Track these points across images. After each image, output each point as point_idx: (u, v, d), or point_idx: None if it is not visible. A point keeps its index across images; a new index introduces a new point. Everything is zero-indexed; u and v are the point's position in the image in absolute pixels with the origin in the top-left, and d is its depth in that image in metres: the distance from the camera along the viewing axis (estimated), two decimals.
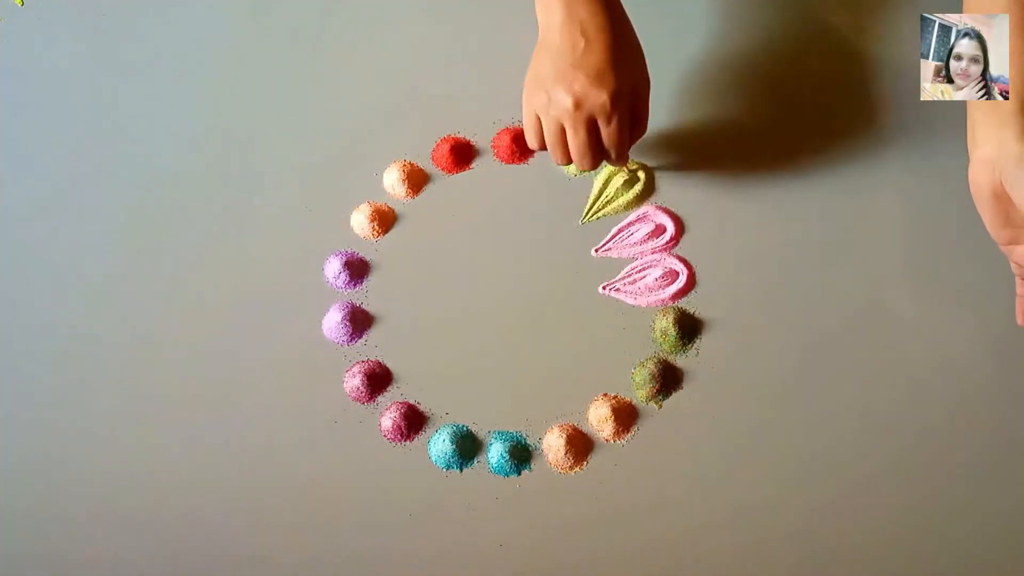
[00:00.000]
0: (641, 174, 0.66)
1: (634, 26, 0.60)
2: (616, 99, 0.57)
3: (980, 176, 0.54)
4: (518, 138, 0.67)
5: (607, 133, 0.58)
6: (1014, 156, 0.52)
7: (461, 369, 0.62)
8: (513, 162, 0.68)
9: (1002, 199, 0.53)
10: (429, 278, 0.65)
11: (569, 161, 0.60)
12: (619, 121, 0.57)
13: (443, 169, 0.68)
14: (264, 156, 0.69)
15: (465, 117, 0.69)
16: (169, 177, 0.69)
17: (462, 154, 0.68)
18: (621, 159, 0.60)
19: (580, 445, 0.60)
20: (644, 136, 0.65)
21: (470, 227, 0.66)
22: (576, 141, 0.58)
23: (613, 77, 0.56)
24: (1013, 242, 0.54)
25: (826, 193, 0.65)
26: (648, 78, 0.61)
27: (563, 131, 0.58)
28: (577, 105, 0.56)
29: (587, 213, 0.66)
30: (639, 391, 0.61)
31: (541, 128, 0.59)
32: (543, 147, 0.60)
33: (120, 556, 0.60)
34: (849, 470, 0.59)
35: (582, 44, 0.57)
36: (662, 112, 0.68)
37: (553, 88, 0.57)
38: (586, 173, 0.66)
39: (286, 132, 0.70)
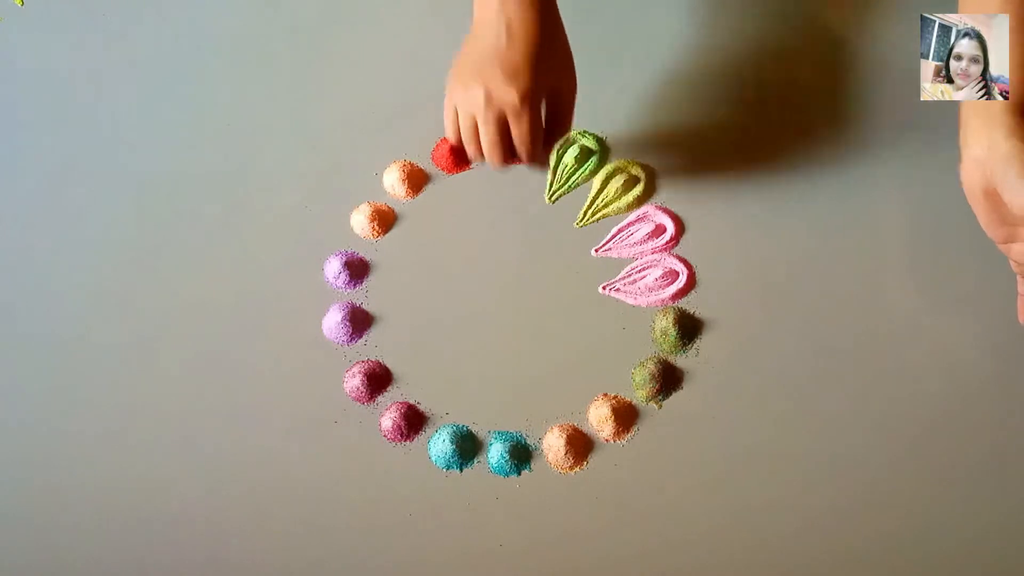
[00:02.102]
0: (642, 174, 0.66)
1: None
2: (527, 98, 0.57)
3: (971, 176, 0.54)
4: None
5: (515, 132, 0.58)
6: (1003, 155, 0.52)
7: (461, 369, 0.62)
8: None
9: (994, 198, 0.53)
10: (429, 278, 0.65)
11: (481, 156, 0.60)
12: (528, 121, 0.57)
13: (443, 169, 0.68)
14: (264, 156, 0.69)
15: None
16: (169, 177, 0.69)
17: (462, 154, 0.67)
18: (532, 160, 0.60)
19: (580, 445, 0.60)
20: (645, 135, 0.65)
21: (470, 227, 0.66)
22: (485, 136, 0.58)
23: (528, 76, 0.57)
24: (1009, 240, 0.54)
25: (826, 193, 0.65)
26: (574, 82, 0.61)
27: (476, 125, 0.59)
28: (488, 100, 0.57)
29: (583, 216, 0.66)
30: (639, 391, 0.61)
31: (458, 120, 0.60)
32: (459, 140, 0.61)
33: (119, 557, 0.60)
34: (849, 470, 0.59)
35: (504, 41, 0.57)
36: (664, 112, 0.68)
37: (470, 81, 0.58)
38: (562, 196, 0.66)
39: (286, 132, 0.70)
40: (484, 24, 0.58)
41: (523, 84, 0.57)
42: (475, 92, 0.57)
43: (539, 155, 0.60)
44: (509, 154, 0.60)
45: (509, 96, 0.56)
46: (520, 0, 0.57)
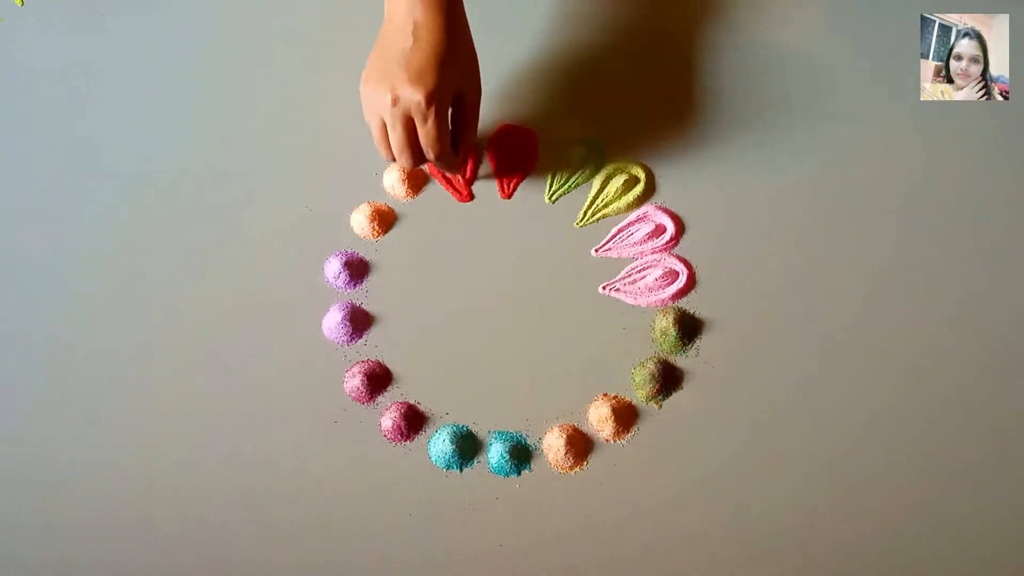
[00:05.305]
0: (642, 174, 0.66)
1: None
2: (432, 99, 0.57)
3: None
4: None
5: (422, 133, 0.58)
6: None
7: (461, 369, 0.62)
8: None
9: None
10: (429, 278, 0.65)
11: (393, 157, 0.60)
12: (435, 122, 0.58)
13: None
14: (264, 156, 0.69)
15: None
16: (169, 177, 0.69)
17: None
18: (442, 161, 0.60)
19: (580, 445, 0.60)
20: (645, 135, 0.65)
21: (470, 227, 0.66)
22: (394, 137, 0.59)
23: (433, 78, 0.57)
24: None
25: (826, 192, 0.65)
26: (478, 84, 0.62)
27: (386, 127, 0.59)
28: (394, 102, 0.57)
29: (583, 216, 0.66)
30: (639, 391, 0.61)
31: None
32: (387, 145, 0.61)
33: (119, 559, 0.60)
34: (848, 470, 0.59)
35: (411, 43, 0.58)
36: (664, 112, 0.68)
37: (377, 85, 0.58)
38: (562, 196, 0.66)
39: (286, 132, 0.70)
40: (392, 27, 0.59)
41: (428, 85, 0.57)
42: (382, 95, 0.58)
43: (447, 155, 0.60)
44: (419, 155, 0.60)
45: (415, 97, 0.57)
46: (427, 3, 0.58)
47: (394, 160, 0.60)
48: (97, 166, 0.70)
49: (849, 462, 0.59)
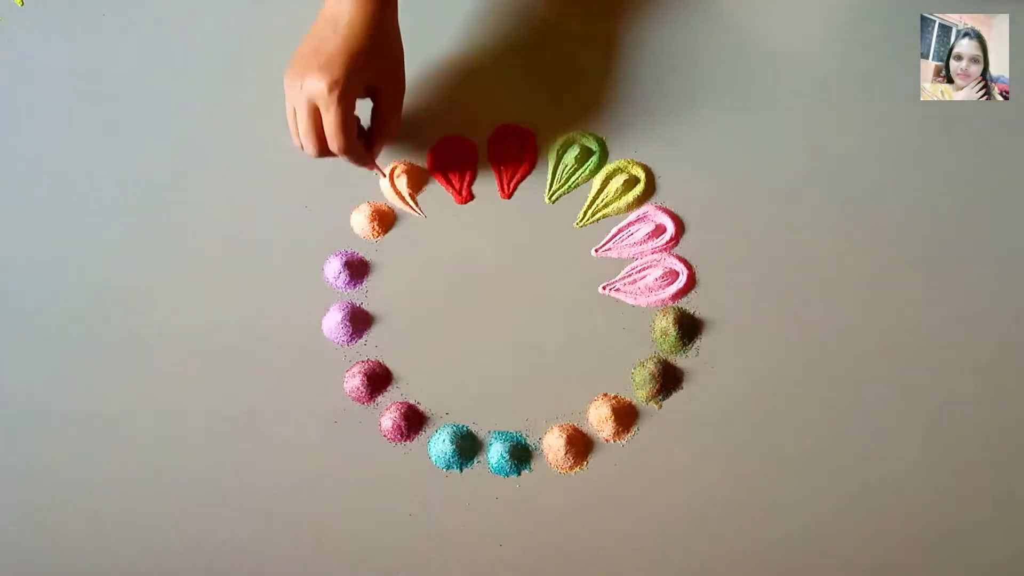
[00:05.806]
0: (642, 174, 0.66)
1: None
2: (334, 88, 0.57)
3: None
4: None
5: (325, 122, 0.58)
6: None
7: (461, 369, 0.62)
8: None
9: None
10: (429, 278, 0.65)
11: (301, 144, 0.60)
12: (336, 112, 0.57)
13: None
14: (264, 156, 0.69)
15: (465, 117, 0.69)
16: (169, 177, 0.69)
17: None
18: (345, 152, 0.60)
19: (580, 445, 0.60)
20: (645, 135, 0.65)
21: (470, 227, 0.66)
22: (299, 124, 0.59)
23: (341, 68, 0.57)
24: None
25: (826, 193, 0.65)
26: (400, 83, 0.62)
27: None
28: (300, 89, 0.58)
29: (583, 216, 0.66)
30: (639, 391, 0.61)
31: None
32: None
33: (119, 558, 0.60)
34: (848, 469, 0.59)
35: (329, 34, 0.58)
36: (664, 112, 0.68)
37: (291, 72, 0.59)
38: (562, 196, 0.66)
39: (286, 132, 0.70)
40: (321, 19, 0.60)
41: (333, 75, 0.57)
42: (294, 82, 0.58)
43: (352, 148, 0.59)
44: (324, 145, 0.60)
45: (318, 86, 0.57)
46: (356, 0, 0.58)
47: (303, 148, 0.60)
48: (97, 166, 0.70)
49: (849, 461, 0.59)
